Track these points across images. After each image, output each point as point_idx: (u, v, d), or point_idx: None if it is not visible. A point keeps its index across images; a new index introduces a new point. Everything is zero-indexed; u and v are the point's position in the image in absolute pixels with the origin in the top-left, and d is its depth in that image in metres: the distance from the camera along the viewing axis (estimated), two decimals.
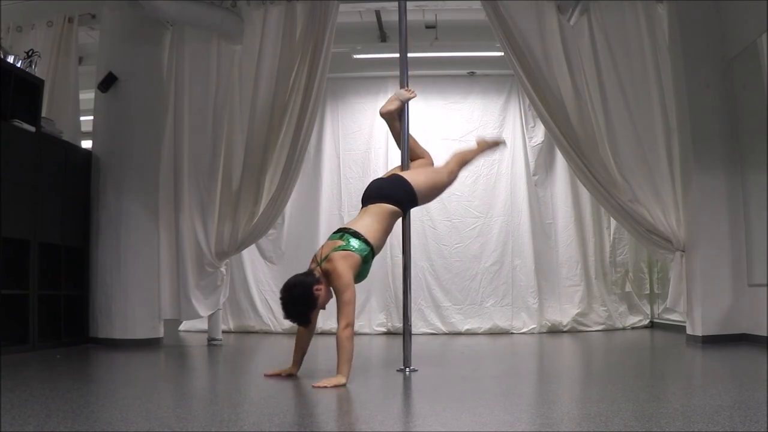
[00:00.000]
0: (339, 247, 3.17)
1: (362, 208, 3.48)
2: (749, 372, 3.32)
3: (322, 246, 3.27)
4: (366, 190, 3.56)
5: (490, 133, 6.76)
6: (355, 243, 3.18)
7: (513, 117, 6.79)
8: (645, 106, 4.94)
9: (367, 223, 3.31)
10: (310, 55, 5.10)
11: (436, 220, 6.65)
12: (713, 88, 4.74)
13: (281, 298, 3.09)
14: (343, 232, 3.27)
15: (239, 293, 6.60)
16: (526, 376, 3.57)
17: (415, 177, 3.53)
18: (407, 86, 3.75)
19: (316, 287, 3.05)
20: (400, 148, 3.76)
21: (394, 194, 3.43)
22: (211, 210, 5.29)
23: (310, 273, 3.13)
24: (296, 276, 3.15)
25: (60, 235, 4.92)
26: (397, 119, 3.70)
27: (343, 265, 3.08)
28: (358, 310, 6.43)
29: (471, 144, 4.03)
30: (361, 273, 3.21)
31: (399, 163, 3.78)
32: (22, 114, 4.52)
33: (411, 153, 3.73)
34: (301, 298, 3.03)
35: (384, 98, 6.73)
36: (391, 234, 6.81)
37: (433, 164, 3.84)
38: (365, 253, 3.19)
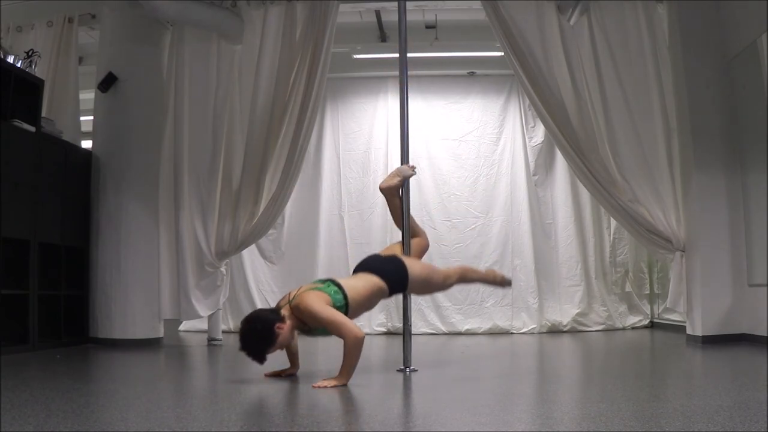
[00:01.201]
0: (315, 288, 3.10)
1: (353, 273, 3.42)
2: (749, 372, 3.32)
3: (300, 287, 3.17)
4: (362, 260, 3.49)
5: (489, 133, 6.79)
6: (332, 290, 3.09)
7: (513, 117, 6.79)
8: (645, 106, 4.94)
9: (353, 284, 3.20)
10: (310, 55, 5.11)
11: (436, 220, 6.65)
12: (713, 88, 4.74)
13: (240, 330, 2.96)
14: (327, 281, 3.20)
15: (239, 293, 6.60)
16: (526, 376, 3.57)
17: (413, 264, 3.43)
18: (407, 87, 3.74)
19: (278, 325, 2.93)
20: (398, 227, 3.70)
21: (387, 272, 3.31)
22: (211, 210, 5.29)
23: (275, 310, 3.05)
24: (260, 310, 3.10)
25: (60, 235, 4.92)
26: (396, 195, 3.65)
27: (312, 297, 2.99)
28: None
29: (481, 267, 3.91)
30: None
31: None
32: (22, 114, 4.52)
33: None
34: (260, 333, 2.90)
35: (384, 98, 6.80)
36: (390, 233, 6.83)
37: (427, 244, 3.79)
38: (339, 303, 3.05)
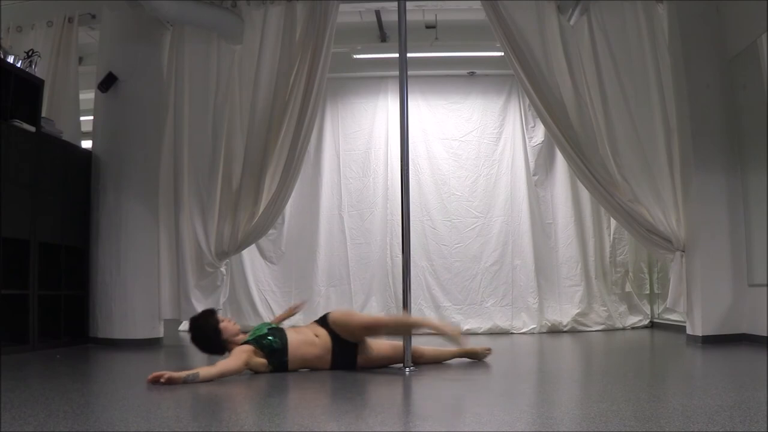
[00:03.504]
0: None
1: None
2: (749, 372, 3.32)
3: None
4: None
5: (489, 133, 6.79)
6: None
7: (513, 117, 6.79)
8: (645, 106, 4.94)
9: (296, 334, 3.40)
10: (310, 55, 5.11)
11: (436, 220, 6.65)
12: (713, 88, 4.74)
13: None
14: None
15: (239, 293, 6.60)
16: (526, 376, 3.57)
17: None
18: (407, 87, 3.72)
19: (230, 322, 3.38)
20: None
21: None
22: (211, 210, 5.29)
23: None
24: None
25: (60, 235, 4.92)
26: None
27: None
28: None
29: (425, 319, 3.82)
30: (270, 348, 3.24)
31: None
32: (22, 114, 4.52)
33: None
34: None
35: (384, 98, 6.81)
36: (390, 233, 6.81)
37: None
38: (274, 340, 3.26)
